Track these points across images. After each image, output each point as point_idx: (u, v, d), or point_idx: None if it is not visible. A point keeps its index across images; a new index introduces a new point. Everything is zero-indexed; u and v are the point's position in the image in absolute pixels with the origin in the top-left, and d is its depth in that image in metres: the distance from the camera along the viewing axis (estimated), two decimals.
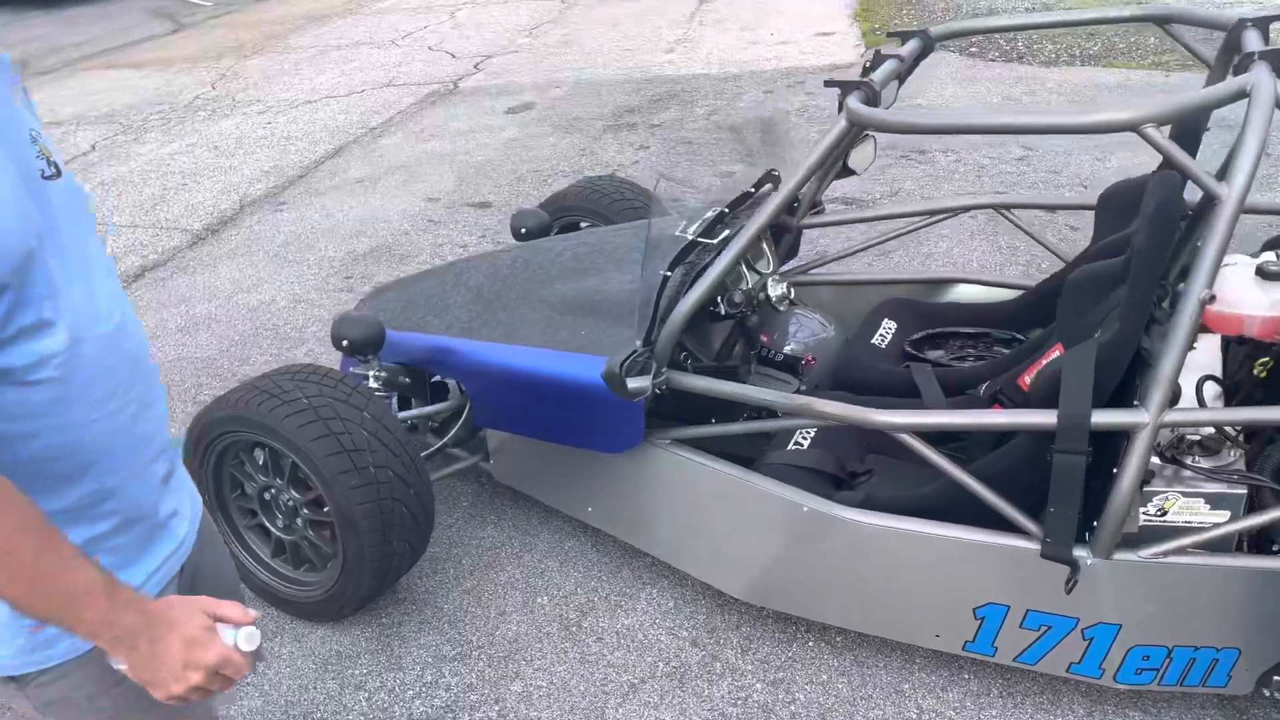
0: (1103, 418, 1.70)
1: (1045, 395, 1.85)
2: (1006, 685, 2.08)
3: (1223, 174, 1.67)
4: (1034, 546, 1.84)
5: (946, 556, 1.93)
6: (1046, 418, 1.74)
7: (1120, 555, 1.79)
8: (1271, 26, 2.07)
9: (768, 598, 2.21)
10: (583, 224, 3.42)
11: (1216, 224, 1.60)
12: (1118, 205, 2.55)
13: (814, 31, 8.39)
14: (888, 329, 2.76)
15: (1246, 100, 1.65)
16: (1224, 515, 1.79)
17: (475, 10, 11.19)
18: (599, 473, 2.40)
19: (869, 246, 3.08)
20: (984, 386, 2.34)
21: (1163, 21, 2.35)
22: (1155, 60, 6.51)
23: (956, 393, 2.42)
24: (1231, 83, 1.68)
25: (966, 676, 2.11)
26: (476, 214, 5.08)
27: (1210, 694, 1.98)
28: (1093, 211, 2.65)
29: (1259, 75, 1.67)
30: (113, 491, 1.19)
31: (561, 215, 3.40)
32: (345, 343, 2.50)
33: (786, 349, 2.63)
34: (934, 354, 2.70)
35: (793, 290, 2.55)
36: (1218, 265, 1.61)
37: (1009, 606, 1.92)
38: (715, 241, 2.35)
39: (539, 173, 5.57)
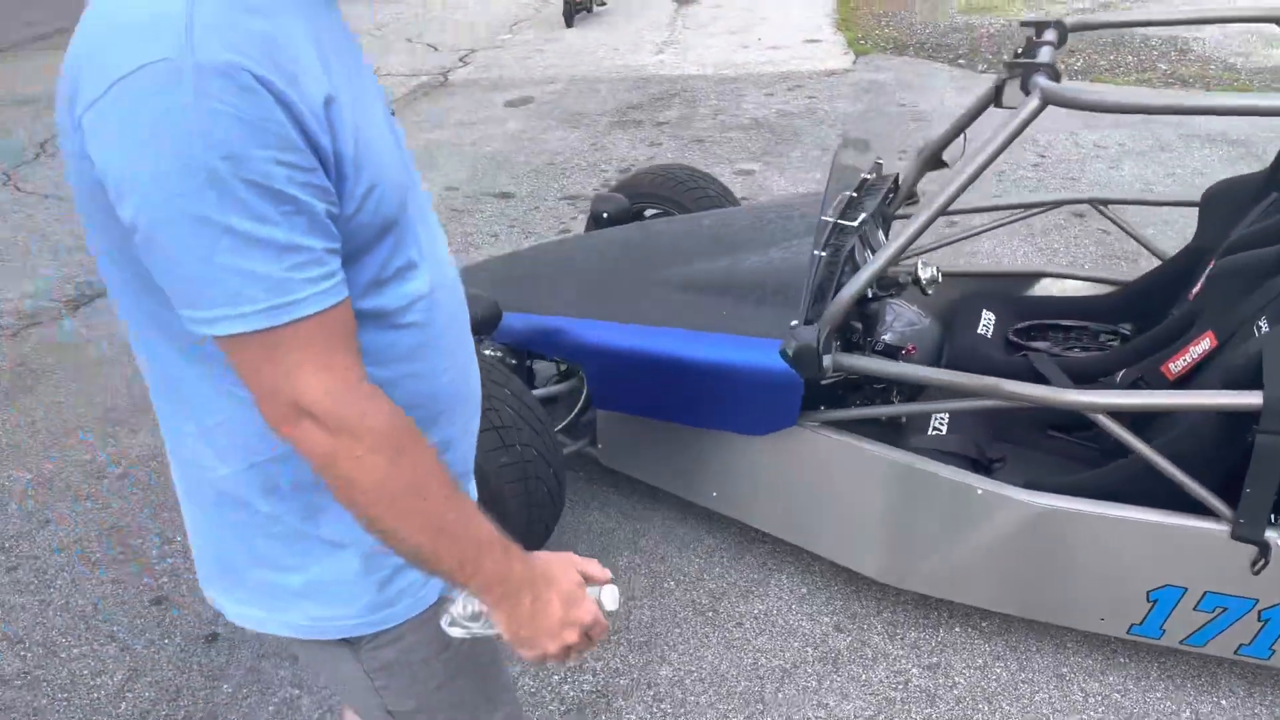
0: None
1: (1216, 380, 1.88)
2: (1164, 668, 2.10)
3: None
4: (1221, 528, 1.85)
5: (1127, 538, 1.94)
6: (1251, 399, 1.76)
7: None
8: None
9: (921, 581, 2.19)
10: (648, 212, 3.38)
11: None
12: (1223, 202, 2.61)
13: (802, 39, 8.48)
14: (988, 320, 2.77)
15: None
16: None
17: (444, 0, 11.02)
18: (728, 456, 2.35)
19: (958, 240, 3.10)
20: (1121, 375, 2.37)
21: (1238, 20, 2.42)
22: (1139, 78, 6.74)
23: (1081, 381, 2.44)
24: None
25: (1123, 660, 2.13)
26: (500, 204, 4.99)
27: None
28: (1192, 208, 2.71)
29: None
30: (451, 442, 1.12)
31: (636, 202, 3.35)
32: None
33: (886, 338, 2.62)
34: (1040, 345, 2.72)
35: (940, 274, 2.53)
36: None
37: (1186, 589, 1.94)
38: (855, 224, 2.33)
39: (554, 165, 5.50)
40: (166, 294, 0.88)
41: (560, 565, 1.05)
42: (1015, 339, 2.76)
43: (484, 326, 2.43)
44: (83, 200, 0.90)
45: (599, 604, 1.07)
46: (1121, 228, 2.89)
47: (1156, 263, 2.84)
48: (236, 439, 1.00)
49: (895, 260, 2.06)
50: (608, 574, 1.09)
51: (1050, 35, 2.34)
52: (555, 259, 2.81)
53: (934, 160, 2.82)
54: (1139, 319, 2.73)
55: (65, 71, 0.87)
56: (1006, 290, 2.97)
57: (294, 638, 1.09)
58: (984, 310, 2.81)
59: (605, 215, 3.16)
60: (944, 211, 2.01)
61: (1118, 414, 1.91)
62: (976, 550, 2.08)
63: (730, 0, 10.40)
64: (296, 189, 0.83)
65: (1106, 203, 2.93)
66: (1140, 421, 2.05)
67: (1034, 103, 1.91)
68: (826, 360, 2.01)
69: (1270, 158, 2.53)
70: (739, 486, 2.38)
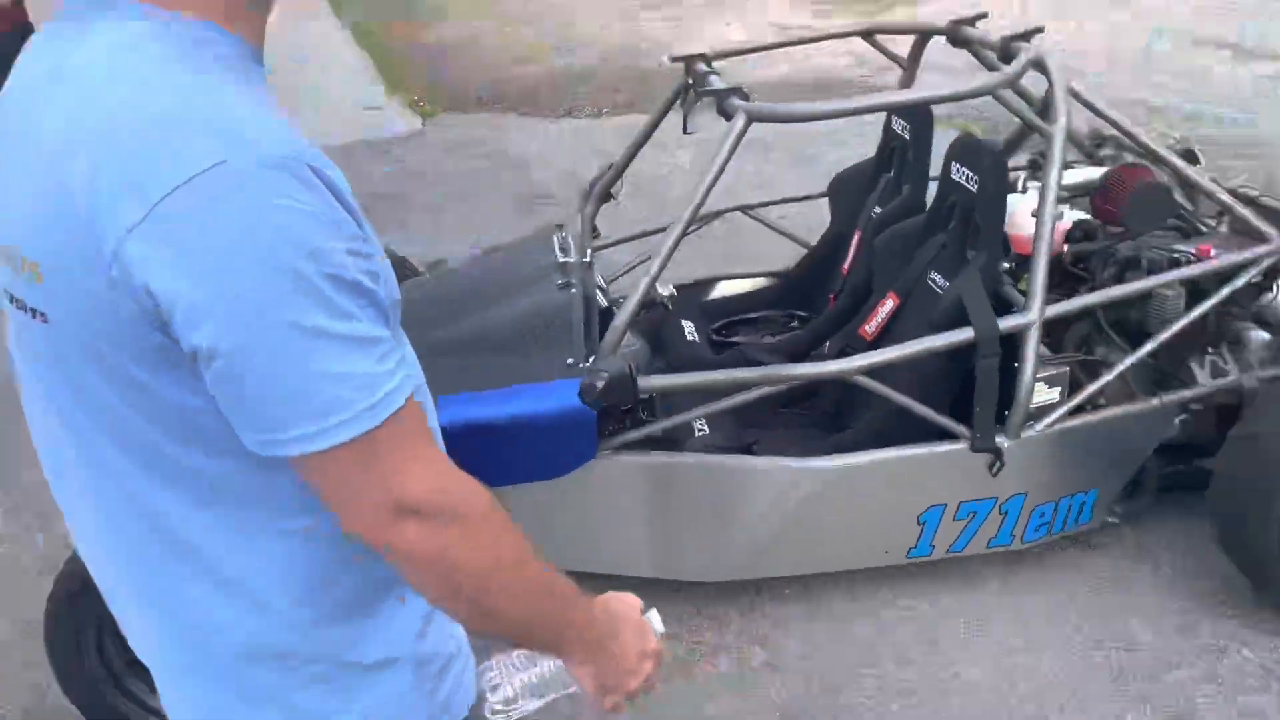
0: (1005, 323, 2.15)
1: (922, 328, 2.26)
2: (931, 576, 2.45)
3: (1044, 116, 2.22)
4: (962, 446, 2.23)
5: (893, 476, 2.25)
6: (965, 334, 2.14)
7: (1025, 434, 2.25)
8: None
9: (736, 569, 2.35)
10: None
11: (1051, 153, 2.14)
12: (848, 189, 3.10)
13: (361, 108, 8.43)
14: (690, 328, 3.02)
15: (1045, 69, 2.21)
16: (1057, 390, 2.33)
17: None
18: (537, 506, 2.32)
19: (639, 263, 3.32)
20: (827, 345, 2.72)
21: (869, 33, 2.94)
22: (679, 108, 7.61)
23: (793, 359, 2.76)
24: (1023, 61, 2.22)
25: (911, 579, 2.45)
26: None
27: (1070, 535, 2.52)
28: (824, 199, 3.19)
29: (1033, 52, 2.25)
30: None
31: None
32: None
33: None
34: (740, 339, 3.03)
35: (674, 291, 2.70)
36: (1058, 187, 2.15)
37: (945, 504, 2.29)
38: (588, 259, 2.44)
39: None
40: (232, 424, 0.76)
41: (618, 601, 1.03)
42: (718, 339, 3.04)
43: None
44: (86, 343, 0.75)
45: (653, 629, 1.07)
46: (771, 227, 3.32)
47: (803, 251, 3.29)
48: (274, 579, 0.86)
49: (654, 283, 2.20)
50: (640, 601, 1.09)
51: (701, 66, 2.64)
52: None
53: (604, 195, 3.03)
54: (805, 300, 3.14)
55: (44, 201, 0.73)
56: (693, 299, 3.26)
57: None
58: (682, 321, 3.05)
59: None
60: (687, 231, 2.19)
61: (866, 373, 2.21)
62: (779, 524, 2.28)
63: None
64: (365, 277, 0.77)
65: (750, 207, 3.34)
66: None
67: (740, 122, 2.15)
68: (642, 383, 2.09)
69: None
70: (555, 532, 2.36)
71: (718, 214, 3.28)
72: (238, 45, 0.82)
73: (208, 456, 0.81)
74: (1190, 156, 2.58)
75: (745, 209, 3.32)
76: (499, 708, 1.06)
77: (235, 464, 0.82)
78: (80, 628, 1.96)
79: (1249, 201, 2.44)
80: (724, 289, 3.31)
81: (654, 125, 2.92)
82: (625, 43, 10.12)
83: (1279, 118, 6.13)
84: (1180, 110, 6.45)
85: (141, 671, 1.75)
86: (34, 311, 0.78)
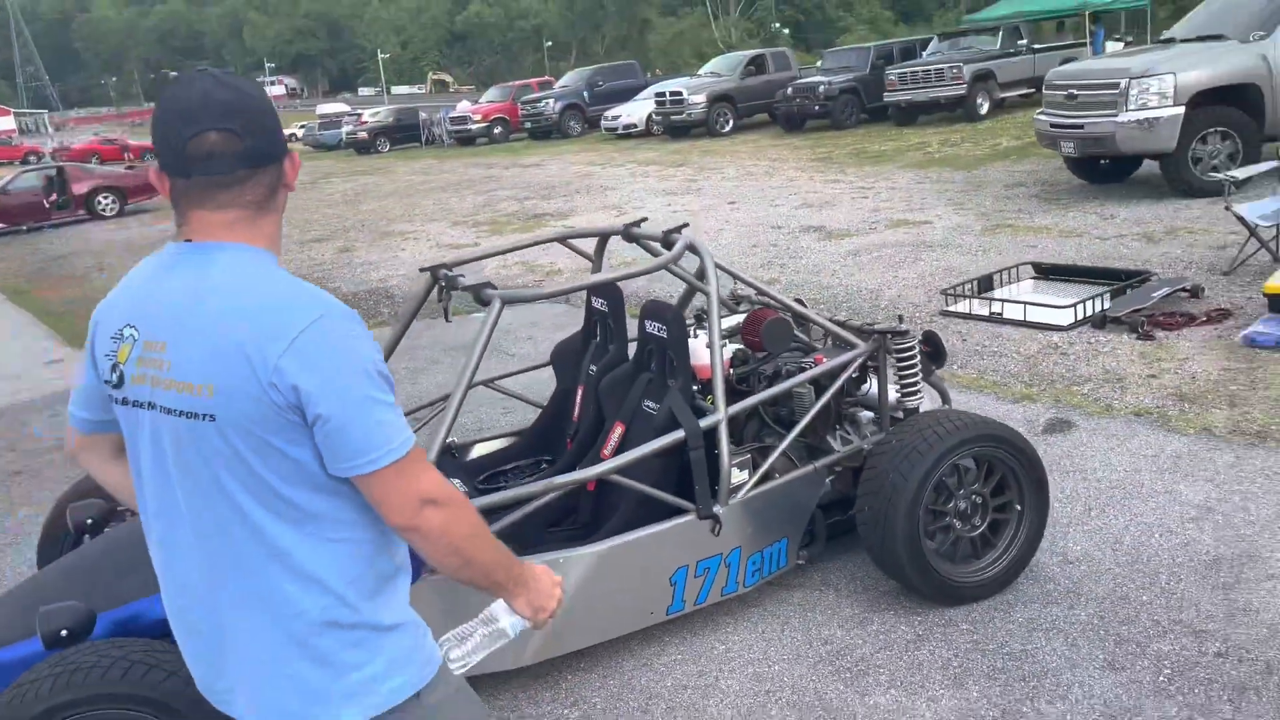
0: (704, 422, 3.01)
1: (648, 437, 3.08)
2: (683, 633, 3.16)
3: (702, 280, 3.19)
4: (691, 517, 3.02)
5: (648, 547, 2.98)
6: (678, 435, 2.97)
7: (732, 502, 3.08)
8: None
9: (546, 650, 2.91)
10: None
11: (710, 305, 3.10)
12: (565, 356, 3.94)
13: (43, 361, 8.26)
14: (460, 485, 3.64)
15: (696, 249, 3.20)
16: (746, 471, 3.21)
17: None
18: None
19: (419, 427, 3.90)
20: (579, 469, 3.45)
21: (565, 239, 3.87)
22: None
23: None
24: (681, 245, 3.20)
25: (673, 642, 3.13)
26: None
27: (774, 578, 3.35)
28: (550, 366, 4.01)
29: (686, 239, 3.24)
30: None
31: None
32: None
33: None
34: (503, 485, 3.68)
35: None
36: (720, 328, 3.10)
37: (687, 565, 3.05)
38: None
39: None
40: (328, 459, 1.35)
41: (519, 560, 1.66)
42: (483, 488, 3.67)
43: (81, 633, 2.44)
44: (247, 432, 1.33)
45: None
46: (506, 393, 4.06)
47: (537, 410, 4.05)
48: (334, 573, 1.43)
49: (445, 439, 2.85)
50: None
51: (445, 271, 3.39)
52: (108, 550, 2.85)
53: None
54: (547, 447, 3.88)
55: (207, 345, 1.33)
56: (452, 463, 3.87)
57: (391, 708, 1.48)
58: (453, 479, 3.67)
59: (89, 521, 3.20)
60: (460, 408, 2.88)
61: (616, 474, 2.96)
62: (569, 606, 2.90)
63: None
64: (387, 373, 1.42)
65: (491, 380, 4.08)
66: (610, 491, 3.15)
67: (497, 306, 2.91)
68: None
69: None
70: None
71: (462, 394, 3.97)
72: (275, 259, 1.46)
73: (302, 491, 1.39)
74: (800, 302, 3.71)
75: (485, 383, 4.05)
76: (457, 660, 1.64)
77: (316, 495, 1.40)
78: None
79: (842, 325, 3.56)
80: (478, 450, 3.97)
81: (409, 322, 3.61)
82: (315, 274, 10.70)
83: (853, 276, 8.00)
84: (779, 276, 8.16)
85: None
86: (202, 416, 1.35)
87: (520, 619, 1.64)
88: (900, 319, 3.63)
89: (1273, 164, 7.35)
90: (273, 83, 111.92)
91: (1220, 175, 7.56)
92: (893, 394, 3.47)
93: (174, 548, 1.47)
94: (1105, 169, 10.71)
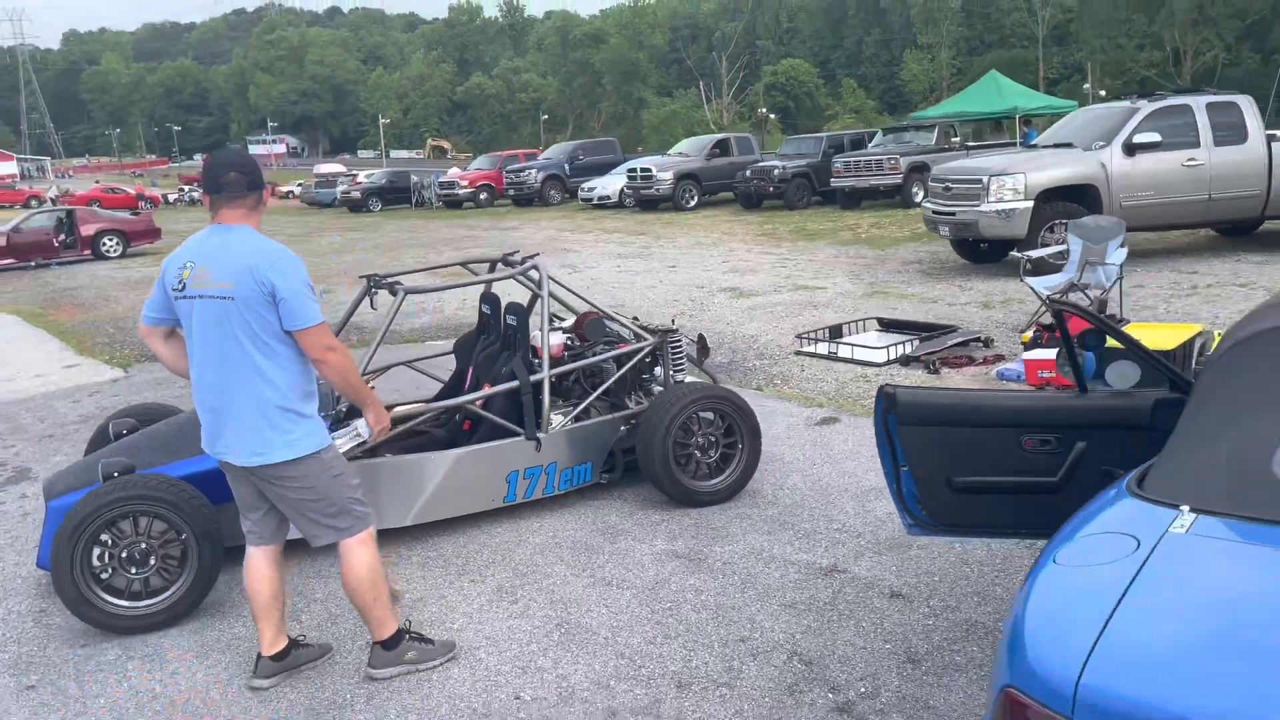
0: (534, 377, 4.67)
1: (504, 393, 4.73)
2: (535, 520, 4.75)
3: (540, 289, 4.88)
4: (522, 439, 4.64)
5: (493, 454, 4.60)
6: (514, 384, 4.63)
7: (551, 431, 4.72)
8: None
9: (416, 517, 4.50)
10: None
11: (544, 308, 4.78)
12: (464, 343, 5.60)
13: (61, 366, 9.85)
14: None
15: (538, 268, 4.89)
16: (562, 413, 4.85)
17: None
18: None
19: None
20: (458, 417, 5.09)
21: (465, 263, 5.55)
22: None
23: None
24: (527, 264, 4.89)
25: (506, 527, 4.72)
26: None
27: (581, 488, 4.95)
28: (453, 354, 5.66)
29: (533, 263, 4.93)
30: None
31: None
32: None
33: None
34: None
35: None
36: (551, 323, 4.78)
37: (518, 470, 4.66)
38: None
39: None
40: (283, 323, 3.02)
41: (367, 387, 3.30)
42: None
43: (124, 473, 4.02)
44: (249, 306, 3.00)
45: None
46: (423, 372, 5.71)
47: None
48: (284, 381, 3.09)
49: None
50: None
51: (376, 276, 5.06)
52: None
53: None
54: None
55: (230, 266, 3.00)
56: None
57: (300, 456, 3.10)
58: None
59: (124, 431, 4.80)
60: (373, 355, 4.53)
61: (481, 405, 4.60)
62: (436, 489, 4.50)
63: None
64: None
65: (413, 361, 5.72)
66: (480, 426, 4.79)
67: (402, 295, 4.58)
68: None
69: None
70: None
71: (390, 367, 5.63)
72: (259, 232, 3.14)
73: (272, 338, 3.04)
74: (703, 342, 5.39)
75: (408, 364, 5.71)
76: (346, 443, 3.30)
77: (277, 341, 3.05)
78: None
79: (641, 326, 5.22)
80: (399, 410, 5.58)
81: (352, 311, 5.26)
82: None
83: (744, 325, 9.71)
84: (685, 323, 9.88)
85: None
86: (225, 298, 3.00)
87: (369, 428, 3.29)
88: (673, 322, 5.32)
89: (1059, 248, 9.15)
90: (274, 141, 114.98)
91: (1017, 255, 9.36)
92: (679, 374, 5.14)
93: (205, 369, 3.11)
94: (985, 251, 12.53)
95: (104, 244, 21.56)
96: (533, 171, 30.79)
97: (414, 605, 3.94)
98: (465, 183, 32.99)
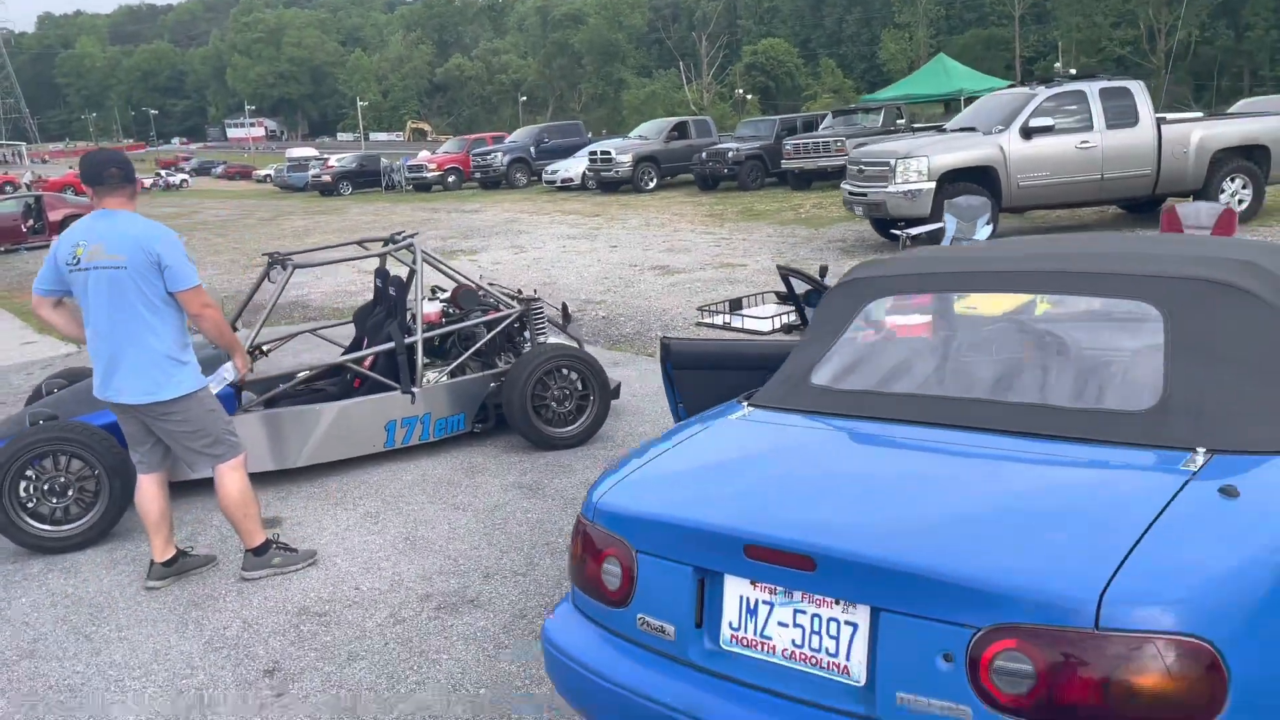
0: (408, 340, 5.42)
1: (384, 353, 5.49)
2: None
3: (414, 265, 5.63)
4: (398, 392, 5.40)
5: (374, 407, 5.36)
6: (390, 346, 5.39)
7: (425, 385, 5.48)
8: None
9: (306, 459, 5.25)
10: None
11: (419, 280, 5.54)
12: (361, 312, 6.35)
13: (19, 343, 10.55)
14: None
15: (412, 244, 5.63)
16: (435, 371, 5.62)
17: None
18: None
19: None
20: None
21: (361, 242, 6.28)
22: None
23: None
24: (401, 241, 5.64)
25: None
26: None
27: (456, 435, 5.72)
28: (352, 323, 6.40)
29: (408, 241, 5.68)
30: None
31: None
32: None
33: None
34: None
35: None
36: (423, 294, 5.54)
37: (395, 419, 5.42)
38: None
39: None
40: (167, 286, 3.78)
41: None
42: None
43: (48, 420, 4.77)
44: (139, 273, 3.75)
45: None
46: (326, 339, 6.45)
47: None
48: (168, 334, 3.85)
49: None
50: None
51: (278, 254, 5.79)
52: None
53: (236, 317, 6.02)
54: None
55: (120, 244, 3.76)
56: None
57: (182, 394, 3.86)
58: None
59: (53, 389, 5.53)
60: (263, 323, 5.27)
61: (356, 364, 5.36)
62: (323, 436, 5.26)
63: None
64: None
65: (316, 329, 6.46)
66: (368, 384, 5.54)
67: (291, 269, 5.32)
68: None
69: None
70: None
71: (296, 334, 6.38)
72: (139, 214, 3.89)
73: (157, 299, 3.78)
74: (566, 310, 6.14)
75: (312, 330, 6.45)
76: (216, 385, 4.06)
77: (162, 301, 3.80)
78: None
79: (510, 294, 5.98)
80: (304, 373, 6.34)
81: (255, 289, 6.00)
82: None
83: (660, 299, 10.48)
84: (605, 297, 10.64)
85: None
86: (119, 268, 3.74)
87: (235, 370, 4.05)
88: (535, 292, 6.09)
89: (938, 225, 9.94)
90: (251, 124, 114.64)
91: (897, 233, 10.16)
92: (551, 338, 5.91)
93: (99, 328, 3.84)
94: (901, 229, 13.32)
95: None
96: (499, 155, 31.35)
97: (294, 527, 4.71)
98: (434, 166, 33.53)
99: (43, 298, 4.00)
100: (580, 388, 5.63)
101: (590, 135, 35.00)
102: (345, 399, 5.47)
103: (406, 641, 3.57)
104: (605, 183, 26.18)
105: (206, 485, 4.41)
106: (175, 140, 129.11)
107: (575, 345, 6.00)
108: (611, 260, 13.89)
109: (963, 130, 12.70)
